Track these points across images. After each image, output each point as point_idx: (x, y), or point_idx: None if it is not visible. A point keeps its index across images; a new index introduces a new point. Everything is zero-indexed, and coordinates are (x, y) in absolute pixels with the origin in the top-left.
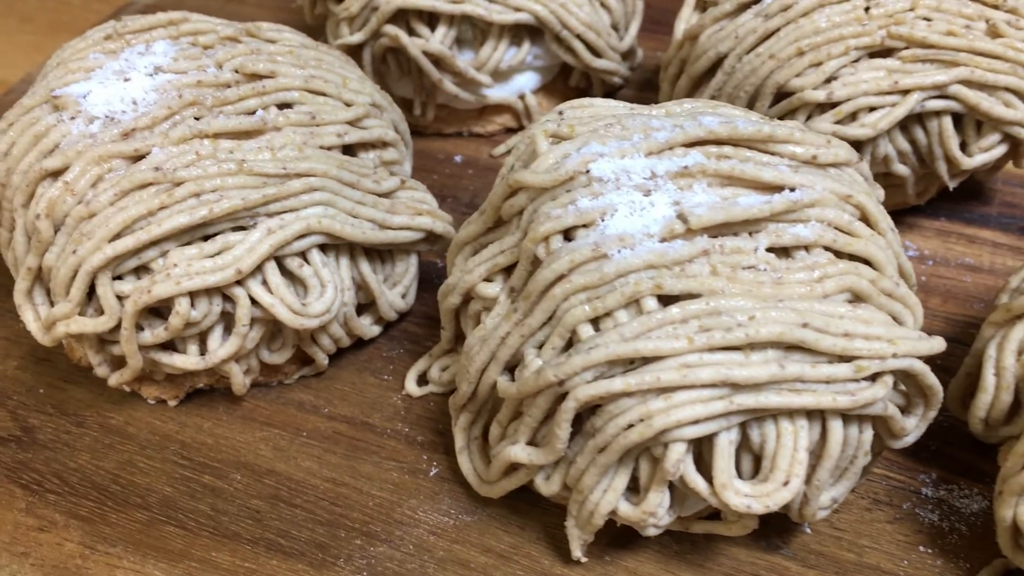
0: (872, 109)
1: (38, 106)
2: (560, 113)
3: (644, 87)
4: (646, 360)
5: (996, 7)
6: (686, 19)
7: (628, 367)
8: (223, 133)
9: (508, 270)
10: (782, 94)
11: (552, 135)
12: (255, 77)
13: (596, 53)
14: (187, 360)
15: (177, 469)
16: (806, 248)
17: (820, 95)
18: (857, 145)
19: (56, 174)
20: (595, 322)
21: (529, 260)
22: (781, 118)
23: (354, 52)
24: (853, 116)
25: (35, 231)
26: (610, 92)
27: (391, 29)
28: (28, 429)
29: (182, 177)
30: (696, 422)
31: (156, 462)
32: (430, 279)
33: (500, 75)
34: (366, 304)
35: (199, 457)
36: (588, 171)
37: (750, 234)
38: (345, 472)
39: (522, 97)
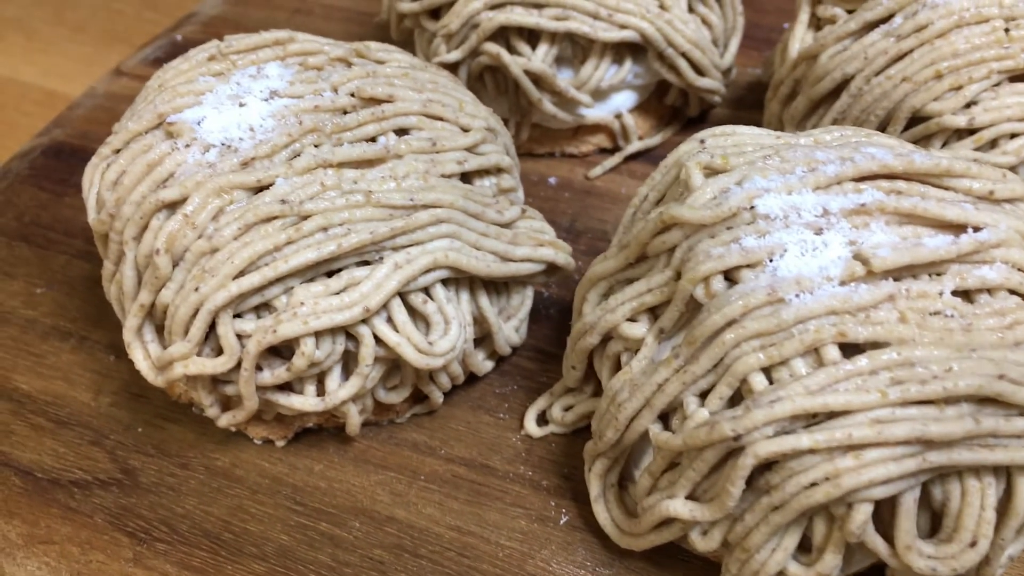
0: (1013, 135)
1: (148, 132)
2: (702, 142)
3: (739, 105)
4: (831, 414)
5: None
6: (800, 38)
7: (810, 421)
8: (347, 162)
9: (654, 309)
10: (917, 118)
11: (705, 167)
12: (373, 101)
13: (699, 71)
14: (305, 401)
15: (291, 515)
16: (989, 291)
17: (961, 121)
18: None
19: (172, 205)
20: (767, 371)
21: (684, 301)
22: (915, 143)
23: (449, 70)
24: (992, 143)
25: (152, 267)
26: (705, 110)
27: (492, 47)
28: (129, 471)
29: (309, 210)
30: (887, 482)
31: (268, 508)
32: (537, 310)
33: (599, 94)
34: (479, 338)
35: (313, 502)
36: (753, 207)
37: (930, 276)
38: (470, 520)
39: (619, 116)
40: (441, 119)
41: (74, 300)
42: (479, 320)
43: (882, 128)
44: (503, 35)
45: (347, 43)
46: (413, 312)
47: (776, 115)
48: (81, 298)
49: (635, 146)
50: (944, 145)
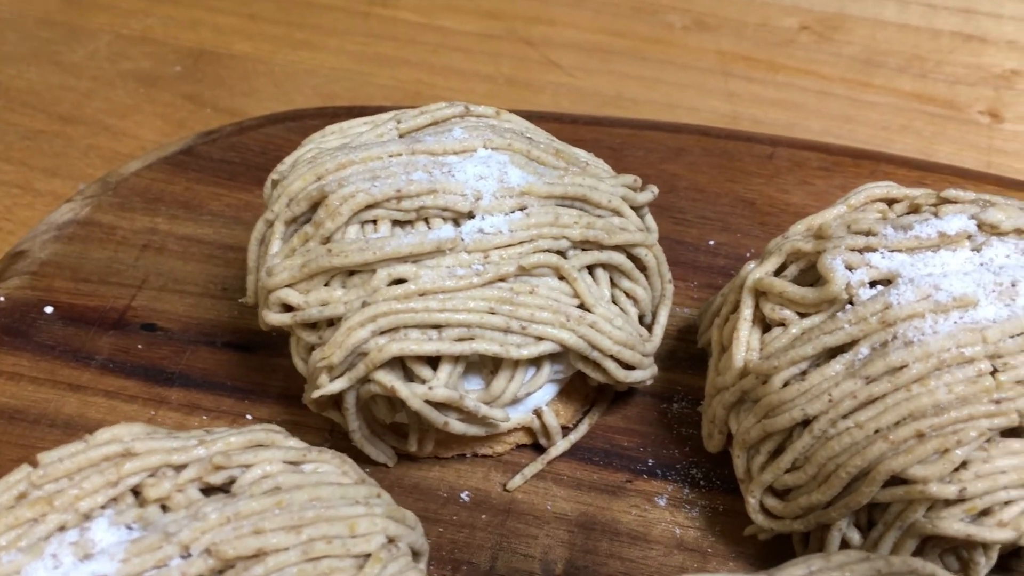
0: (1008, 503)
1: None
2: None
3: (671, 362)
4: None
5: None
6: (745, 341)
7: None
8: None
9: None
10: (897, 479)
11: None
12: (238, 559)
13: (629, 367)
14: None
15: None
16: None
17: (951, 491)
18: None
19: None
20: None
21: None
22: (887, 504)
23: (335, 397)
24: (985, 510)
25: None
26: None
27: (384, 378)
28: None
29: None
30: None
31: None
32: None
33: (514, 399)
34: None
35: None
36: None
37: None
38: None
39: (538, 414)
40: (328, 557)
41: None
42: None
43: (853, 482)
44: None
45: (203, 445)
46: None
47: (721, 419)
48: None
49: (559, 447)
50: (929, 510)
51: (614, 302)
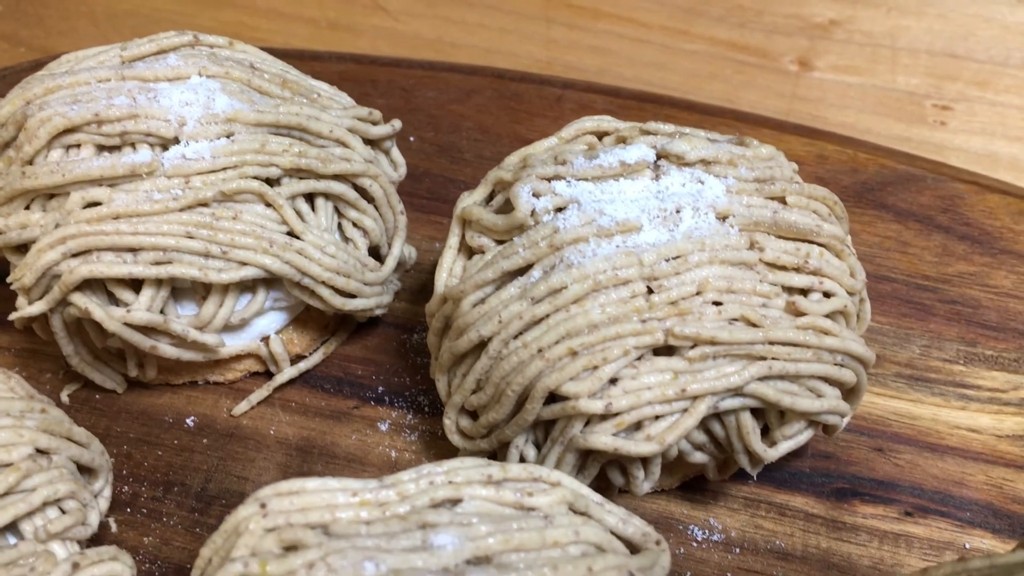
0: (658, 417)
1: None
2: (263, 506)
3: (420, 295)
4: None
5: (798, 270)
6: (448, 267)
7: None
8: None
9: None
10: (557, 396)
11: None
12: None
13: (348, 295)
14: None
15: None
16: None
17: (598, 406)
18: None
19: None
20: None
21: None
22: (555, 421)
23: (39, 320)
24: (637, 425)
25: None
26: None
27: (80, 300)
28: None
29: None
30: None
31: None
32: None
33: (233, 326)
34: None
35: None
36: None
37: None
38: None
39: (266, 340)
40: None
41: None
42: None
43: (521, 404)
44: (99, 280)
45: None
46: None
47: (435, 346)
48: None
49: (287, 374)
50: (587, 425)
51: (342, 232)
